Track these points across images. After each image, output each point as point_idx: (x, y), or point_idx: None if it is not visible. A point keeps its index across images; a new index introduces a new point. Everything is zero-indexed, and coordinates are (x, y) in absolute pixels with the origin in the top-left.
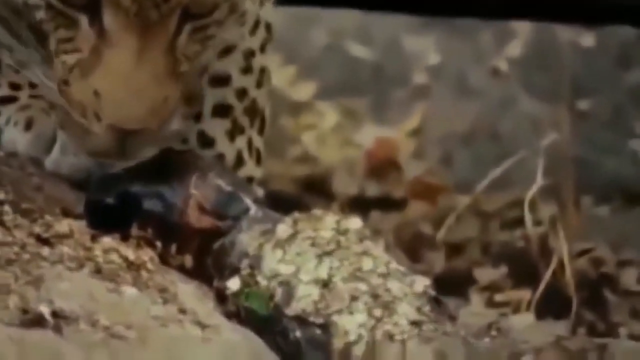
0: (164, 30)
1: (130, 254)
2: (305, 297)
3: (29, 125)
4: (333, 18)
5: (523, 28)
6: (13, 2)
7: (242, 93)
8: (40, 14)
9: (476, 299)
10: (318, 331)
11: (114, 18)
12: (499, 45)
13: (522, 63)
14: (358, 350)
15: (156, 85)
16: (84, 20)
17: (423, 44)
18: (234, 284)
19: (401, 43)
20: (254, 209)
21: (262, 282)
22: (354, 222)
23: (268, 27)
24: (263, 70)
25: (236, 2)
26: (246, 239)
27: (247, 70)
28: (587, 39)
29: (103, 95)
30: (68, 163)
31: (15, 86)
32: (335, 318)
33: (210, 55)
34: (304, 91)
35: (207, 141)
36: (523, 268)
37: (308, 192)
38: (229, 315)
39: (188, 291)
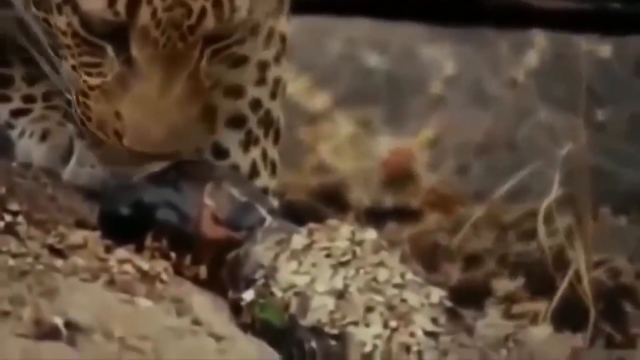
0: (189, 58)
1: (145, 265)
2: (321, 308)
3: (44, 137)
4: (348, 28)
5: (540, 38)
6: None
7: (256, 104)
8: (65, 40)
9: (493, 311)
10: (333, 342)
11: (142, 49)
12: (515, 55)
13: (538, 73)
14: None
15: (180, 110)
16: (109, 48)
17: (439, 54)
18: (248, 295)
19: (417, 52)
20: (269, 220)
21: (277, 293)
22: (370, 233)
23: (283, 38)
24: (278, 81)
25: (257, 24)
26: (261, 249)
27: (261, 81)
28: (605, 49)
29: (126, 120)
30: (85, 173)
31: (28, 99)
32: (350, 329)
33: (222, 68)
34: (319, 101)
35: (221, 152)
36: (540, 279)
37: (323, 203)
38: (244, 327)
39: (203, 302)
